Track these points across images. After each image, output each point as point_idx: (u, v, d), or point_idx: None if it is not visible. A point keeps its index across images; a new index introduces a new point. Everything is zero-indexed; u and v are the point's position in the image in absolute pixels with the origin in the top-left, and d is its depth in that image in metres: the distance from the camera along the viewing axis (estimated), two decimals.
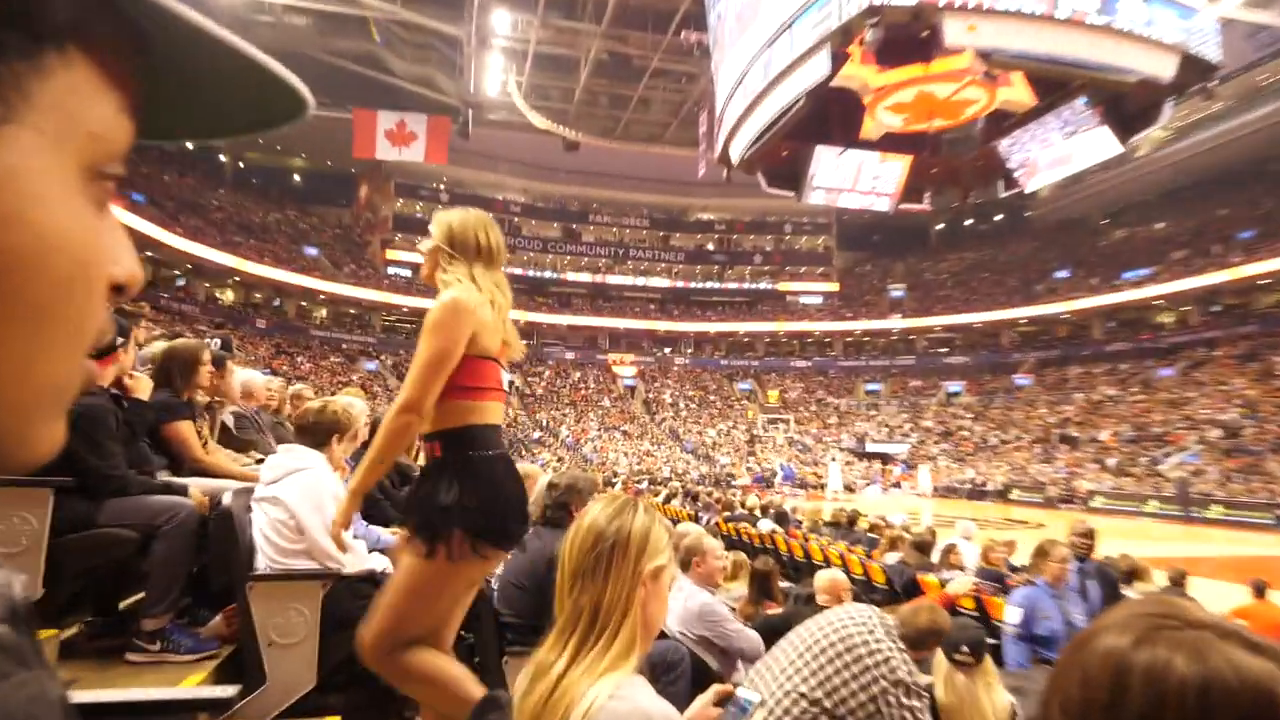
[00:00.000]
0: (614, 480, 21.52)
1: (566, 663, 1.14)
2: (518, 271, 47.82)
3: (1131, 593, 4.85)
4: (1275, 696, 0.51)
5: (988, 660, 2.46)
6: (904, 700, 1.78)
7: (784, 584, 5.05)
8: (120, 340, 2.86)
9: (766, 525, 9.28)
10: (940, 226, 53.50)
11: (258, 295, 38.82)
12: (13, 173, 0.25)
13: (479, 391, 1.97)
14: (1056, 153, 13.87)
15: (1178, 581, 5.71)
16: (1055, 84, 12.90)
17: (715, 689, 1.50)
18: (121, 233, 0.30)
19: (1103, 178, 40.38)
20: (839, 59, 11.89)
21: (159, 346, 3.88)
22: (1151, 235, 40.72)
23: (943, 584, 5.82)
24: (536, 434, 37.11)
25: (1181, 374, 32.69)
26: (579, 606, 1.17)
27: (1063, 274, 42.04)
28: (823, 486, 30.81)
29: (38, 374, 0.27)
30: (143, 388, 3.01)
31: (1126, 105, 13.05)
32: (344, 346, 39.59)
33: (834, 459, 34.45)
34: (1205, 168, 37.81)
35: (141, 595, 2.75)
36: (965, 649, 2.41)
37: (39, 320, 0.26)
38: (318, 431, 2.84)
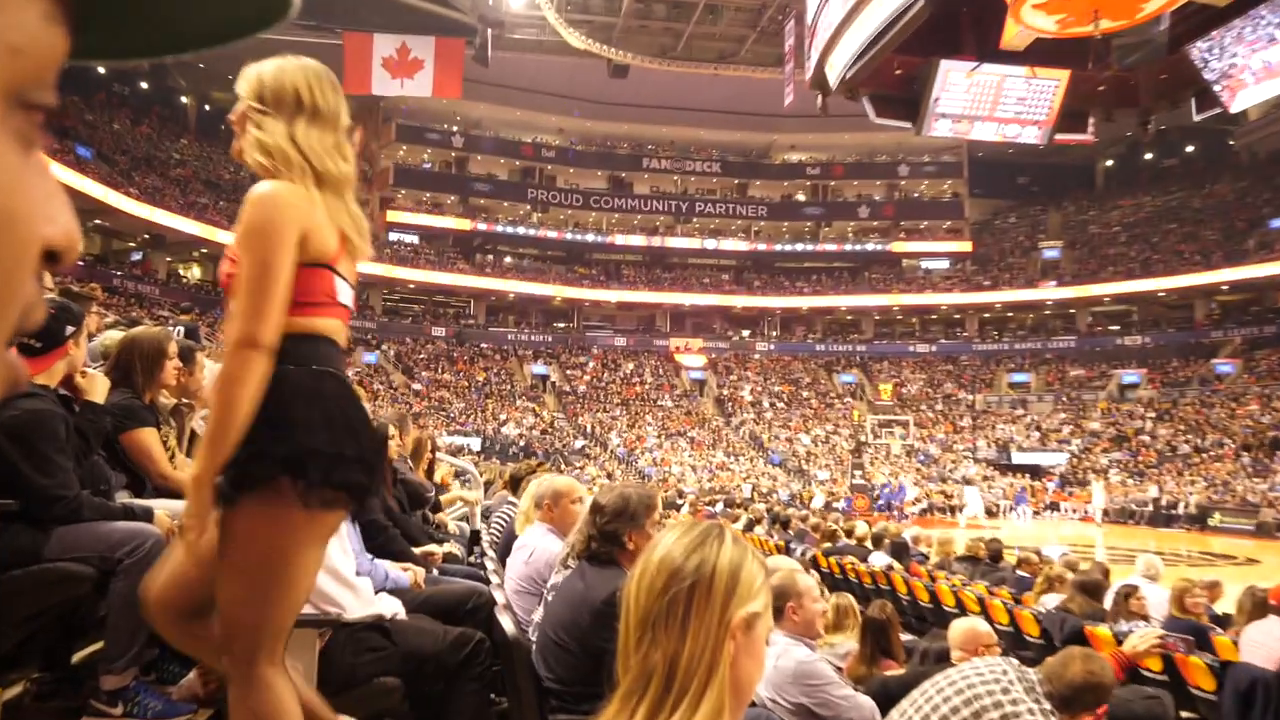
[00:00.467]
0: (679, 501, 21.57)
1: None
2: (552, 234, 48.28)
3: None
4: None
5: None
6: None
7: (906, 636, 5.00)
8: (70, 330, 2.96)
9: (881, 560, 9.19)
10: (1110, 164, 52.16)
11: None
12: None
13: (306, 308, 1.93)
14: (1272, 60, 13.40)
15: None
16: None
17: None
18: (54, 183, 0.30)
19: None
20: None
21: (114, 337, 4.02)
22: None
23: (1118, 638, 5.67)
24: (579, 442, 37.43)
25: None
26: (650, 664, 1.16)
27: (1279, 223, 40.42)
28: (953, 510, 30.37)
29: None
30: (97, 389, 3.09)
31: None
32: None
33: (967, 480, 33.96)
34: None
35: (99, 646, 2.85)
36: None
37: None
38: None
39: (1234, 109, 15.19)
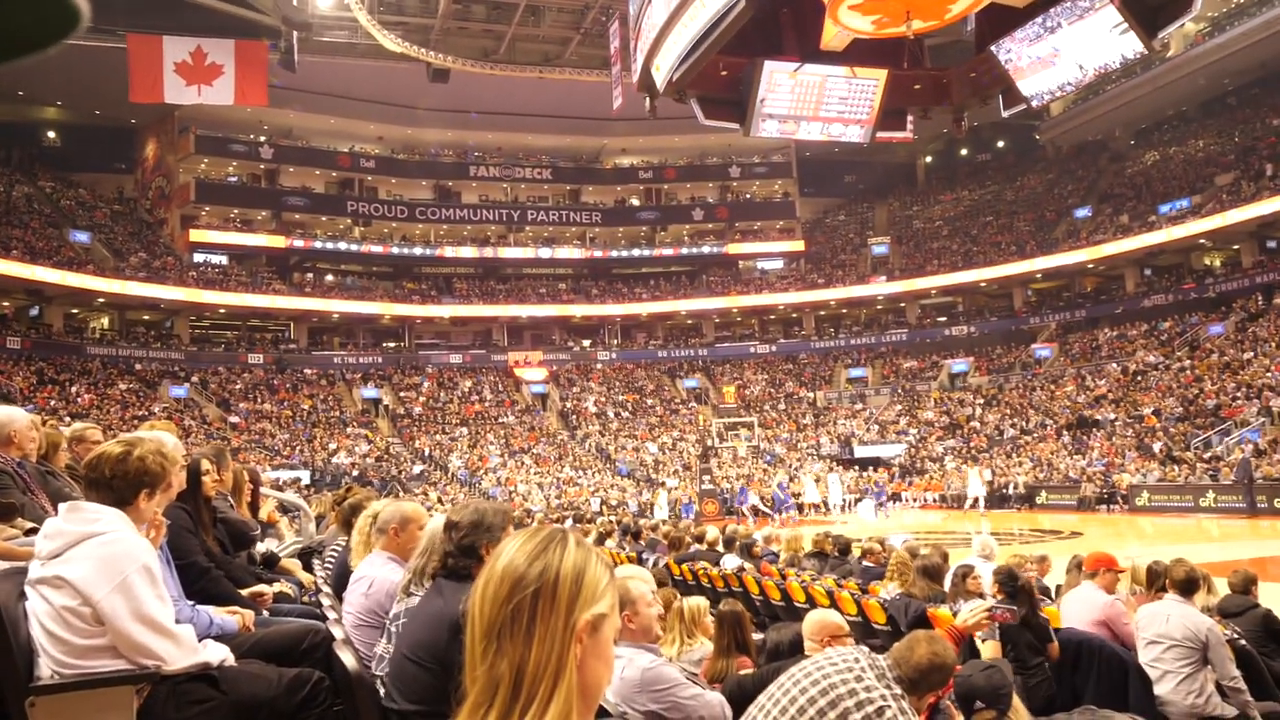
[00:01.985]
0: (528, 520, 21.45)
1: None
2: (377, 249, 47.06)
3: (1189, 607, 5.13)
4: None
5: (1017, 704, 2.58)
6: None
7: (758, 636, 5.15)
8: None
9: (733, 562, 9.43)
10: (929, 160, 55.50)
11: (5, 303, 37.08)
12: None
13: None
14: (1068, 57, 14.40)
15: (1245, 589, 6.05)
16: None
17: None
18: None
19: (1126, 88, 42.01)
20: None
21: None
22: (1190, 157, 42.83)
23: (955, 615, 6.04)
24: (418, 467, 36.67)
25: (1236, 330, 34.51)
26: (496, 674, 1.17)
27: (1084, 213, 44.00)
28: (817, 507, 31.36)
29: None
30: None
31: None
32: (138, 367, 38.18)
33: (825, 470, 35.15)
34: (1251, 68, 39.27)
35: None
36: (980, 705, 2.52)
37: None
38: (118, 487, 2.76)
39: (1037, 105, 16.29)
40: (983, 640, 5.89)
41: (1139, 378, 35.25)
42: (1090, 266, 41.65)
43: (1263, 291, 35.30)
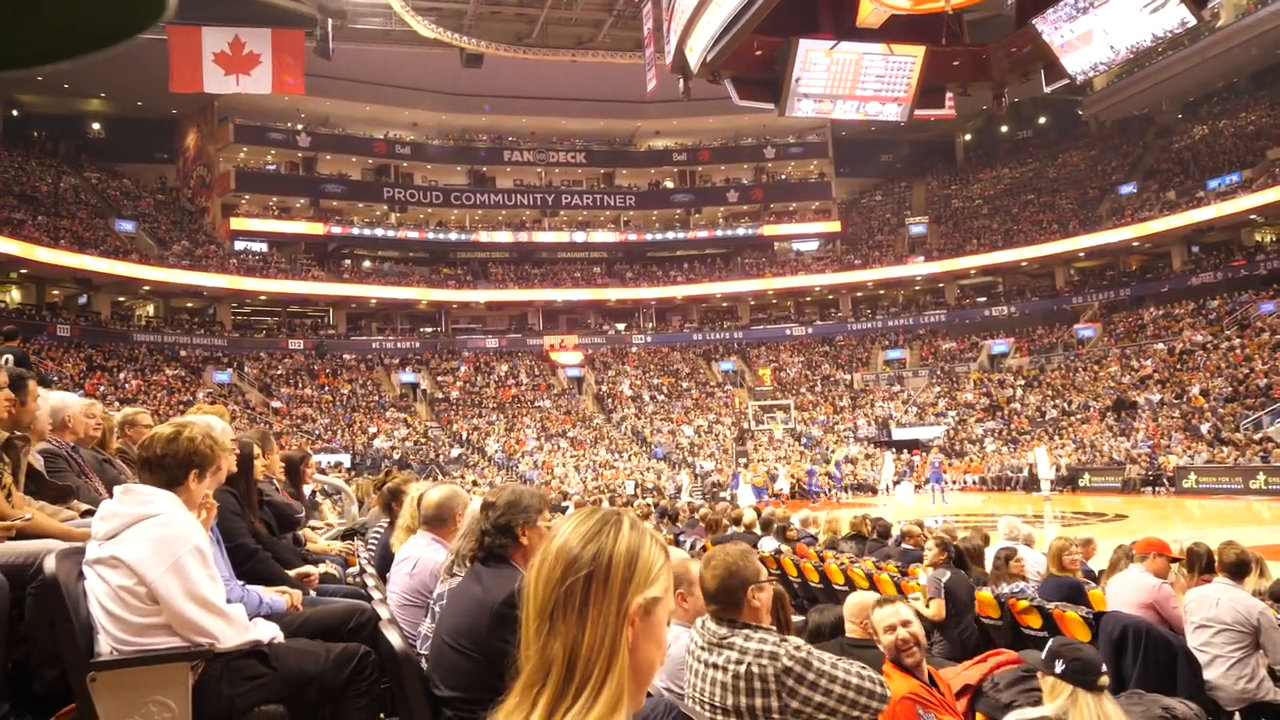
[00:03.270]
0: (564, 504, 21.54)
1: None
2: (413, 235, 47.38)
3: (1240, 590, 5.06)
4: None
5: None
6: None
7: (796, 618, 5.17)
8: None
9: (770, 544, 9.43)
10: (969, 137, 54.59)
11: (55, 291, 37.86)
12: None
13: None
14: (1112, 30, 14.12)
15: None
16: None
17: None
18: None
19: (1172, 61, 41.14)
20: None
21: None
22: (1240, 130, 41.78)
23: (1000, 600, 6.01)
24: (455, 451, 36.94)
25: None
26: (549, 655, 1.18)
27: (1128, 189, 43.09)
28: (859, 489, 31.24)
29: None
30: None
31: None
32: (183, 353, 38.86)
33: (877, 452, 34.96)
34: None
35: None
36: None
37: None
38: (170, 466, 2.83)
39: (1081, 79, 16.02)
40: (928, 601, 5.96)
41: (1186, 357, 34.59)
42: (1135, 244, 40.84)
43: None
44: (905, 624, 3.37)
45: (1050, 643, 2.69)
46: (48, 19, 0.34)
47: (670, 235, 51.11)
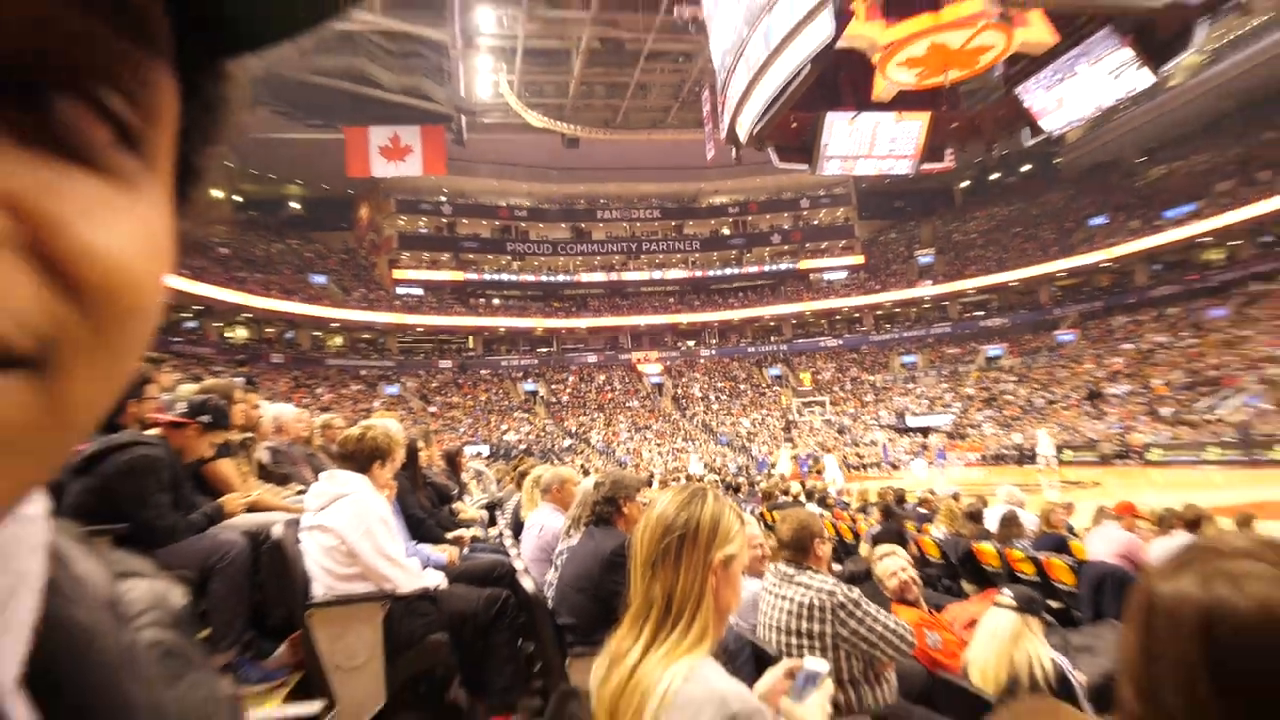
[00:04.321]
0: (650, 481, 21.60)
1: (642, 650, 1.19)
2: (530, 278, 48.14)
3: None
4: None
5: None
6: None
7: (837, 566, 5.11)
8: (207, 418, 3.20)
9: (813, 510, 9.31)
10: (965, 184, 53.04)
11: (270, 330, 39.35)
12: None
13: None
14: (1083, 91, 13.65)
15: (1245, 526, 5.66)
16: (1076, 18, 12.68)
17: (786, 663, 1.57)
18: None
19: (1135, 113, 39.72)
20: (843, 18, 11.77)
21: (187, 388, 4.02)
22: (1192, 169, 39.89)
23: (1000, 554, 5.85)
24: (567, 441, 37.28)
25: (1235, 312, 32.08)
26: (651, 595, 1.22)
27: (1099, 220, 41.43)
28: (867, 466, 30.58)
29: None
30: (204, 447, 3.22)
31: (1155, 32, 12.67)
32: (362, 373, 40.07)
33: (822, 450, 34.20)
34: (1246, 90, 36.86)
35: (206, 634, 2.87)
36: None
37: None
38: (359, 456, 2.95)
39: (1056, 133, 15.50)
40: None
41: (1149, 355, 33.06)
42: (1105, 265, 39.12)
43: (1259, 279, 32.73)
44: (903, 569, 3.42)
45: (1009, 588, 2.67)
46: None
47: (728, 271, 50.78)
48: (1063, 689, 2.29)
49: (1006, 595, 2.54)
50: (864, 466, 31.13)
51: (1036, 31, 12.70)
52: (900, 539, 6.07)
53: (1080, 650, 3.05)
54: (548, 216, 49.99)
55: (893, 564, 3.44)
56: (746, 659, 2.52)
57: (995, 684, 2.39)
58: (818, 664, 1.53)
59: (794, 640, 2.49)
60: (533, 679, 3.10)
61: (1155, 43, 12.81)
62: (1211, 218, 34.11)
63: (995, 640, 2.44)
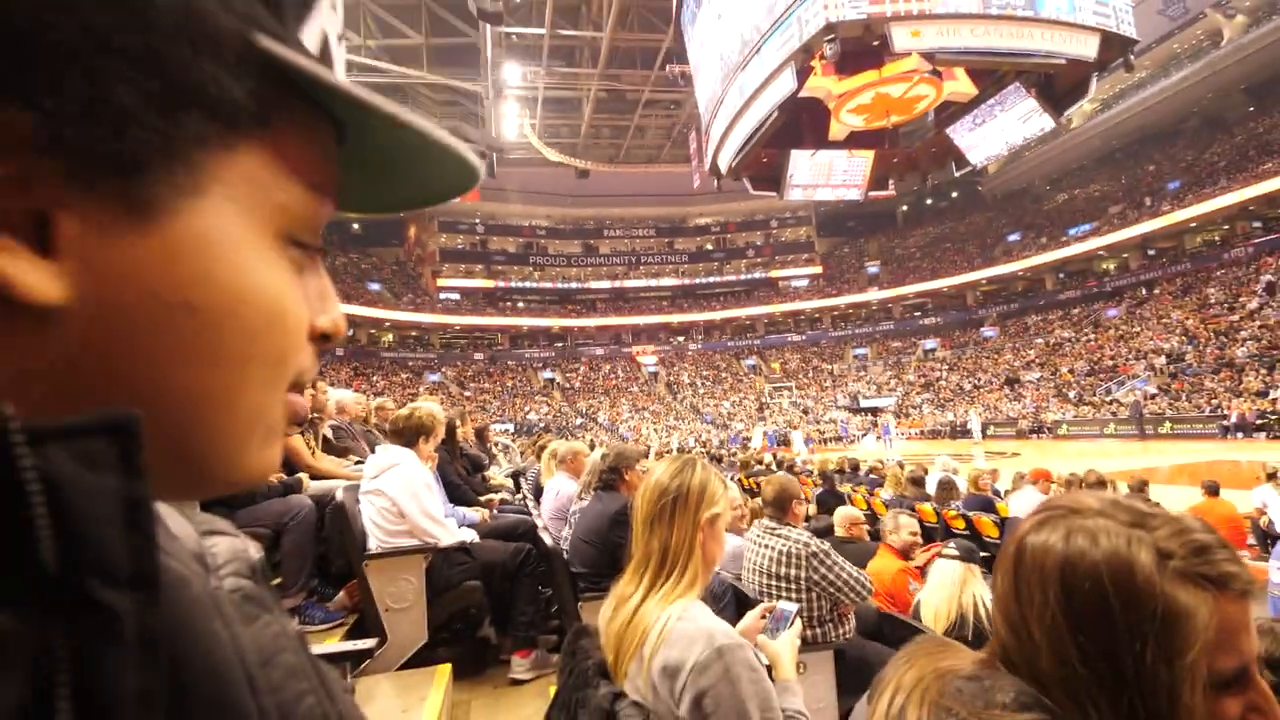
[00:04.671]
0: (648, 453, 21.57)
1: (643, 594, 1.17)
2: (548, 285, 48.03)
3: None
4: (1132, 564, 0.53)
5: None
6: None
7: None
8: None
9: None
10: (905, 208, 52.83)
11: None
12: (207, 238, 0.25)
13: None
14: (999, 133, 13.66)
15: (1139, 488, 5.64)
16: (993, 73, 12.67)
17: (762, 606, 1.54)
18: (329, 291, 0.31)
19: (1042, 150, 39.62)
20: (803, 74, 11.75)
21: None
22: (1089, 195, 39.83)
23: (937, 513, 5.82)
24: (579, 421, 37.29)
25: (1127, 313, 32.00)
26: (650, 549, 1.20)
27: (1015, 237, 41.32)
28: (828, 440, 30.53)
29: (242, 406, 0.27)
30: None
31: (1057, 84, 12.77)
32: (410, 364, 40.00)
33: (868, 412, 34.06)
34: (1132, 131, 36.97)
35: (278, 581, 2.84)
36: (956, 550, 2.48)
37: (235, 363, 0.26)
38: (407, 433, 2.91)
39: (978, 166, 15.49)
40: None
41: (1057, 348, 33.01)
42: (1020, 274, 39.09)
43: (1146, 285, 32.69)
44: (915, 534, 3.46)
45: (953, 541, 2.63)
46: (398, 188, 0.34)
47: (711, 279, 50.59)
48: None
49: (951, 548, 2.50)
50: (825, 440, 31.11)
51: (961, 84, 12.69)
52: (839, 500, 6.06)
53: None
54: (563, 235, 49.79)
55: (908, 524, 3.49)
56: (729, 602, 2.49)
57: (947, 621, 2.36)
58: (789, 606, 1.49)
59: (774, 583, 2.45)
60: (550, 618, 3.07)
61: (1056, 93, 12.83)
62: (1106, 234, 34.01)
63: (945, 586, 2.41)
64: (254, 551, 0.35)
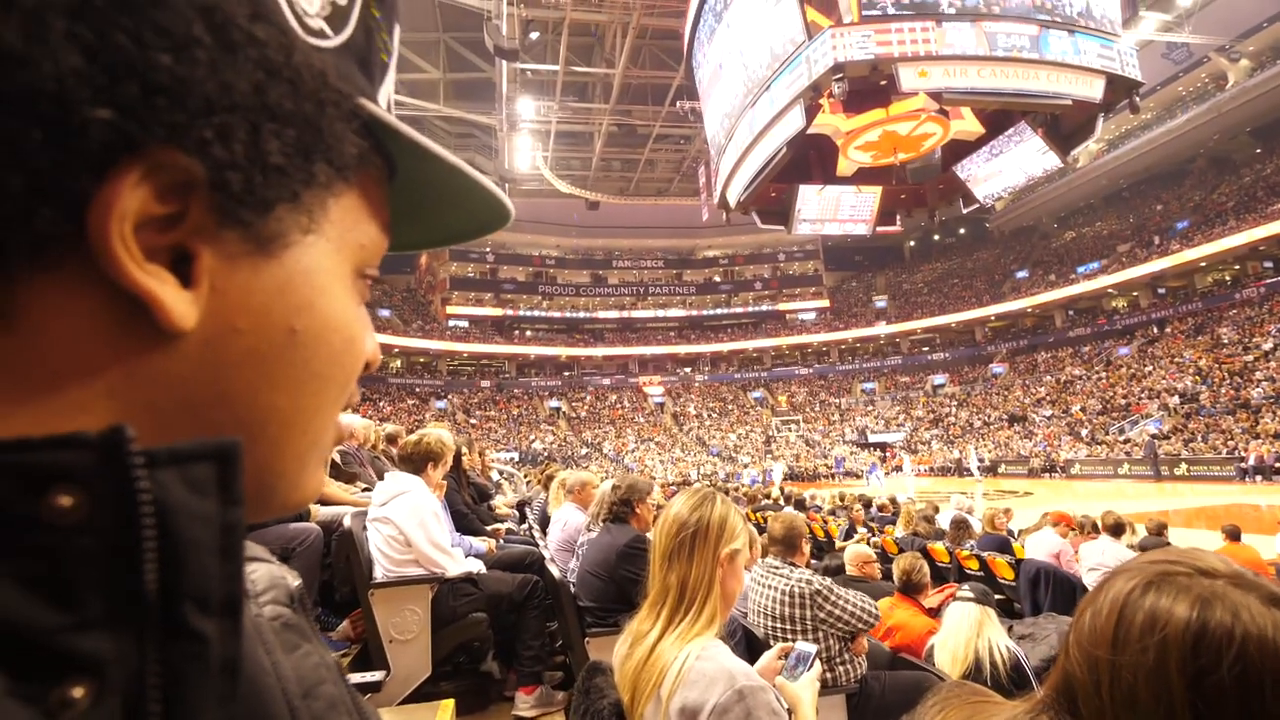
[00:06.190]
0: (655, 484, 21.34)
1: (660, 632, 1.14)
2: (556, 315, 48.24)
3: (1118, 544, 4.70)
4: (1276, 647, 0.47)
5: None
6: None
7: (814, 562, 4.99)
8: None
9: (792, 512, 9.17)
10: (912, 243, 53.10)
11: None
12: (311, 271, 0.27)
13: None
14: (1007, 171, 13.76)
15: (1158, 532, 5.52)
16: (1000, 113, 12.83)
17: (779, 646, 1.50)
18: (369, 321, 0.33)
19: (1050, 188, 39.86)
20: (812, 111, 11.94)
21: None
22: (1097, 234, 39.94)
23: (949, 551, 5.71)
24: (584, 450, 37.08)
25: (1138, 351, 31.80)
26: (668, 584, 1.17)
27: (1023, 274, 41.34)
28: (834, 475, 30.21)
29: (313, 428, 0.28)
30: None
31: (1064, 124, 12.91)
32: (417, 390, 40.04)
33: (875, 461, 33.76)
34: (1138, 171, 37.23)
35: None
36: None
37: (318, 385, 0.28)
38: (416, 460, 2.89)
39: (986, 204, 15.57)
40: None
41: (1068, 385, 32.76)
42: (1029, 311, 39.04)
43: (1157, 324, 32.55)
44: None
45: (966, 585, 2.58)
46: (432, 226, 0.37)
47: (719, 311, 50.69)
48: (1017, 672, 2.19)
49: (966, 590, 2.45)
50: (817, 477, 30.71)
51: (968, 123, 12.86)
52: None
53: (1022, 638, 2.94)
54: (572, 265, 50.18)
55: (909, 560, 3.42)
56: (739, 640, 2.43)
57: (964, 665, 2.29)
58: (809, 647, 1.45)
59: (780, 625, 2.40)
60: (555, 654, 3.00)
61: (1063, 133, 12.95)
62: (1115, 273, 34.00)
63: (961, 629, 2.34)
64: (292, 580, 0.35)
